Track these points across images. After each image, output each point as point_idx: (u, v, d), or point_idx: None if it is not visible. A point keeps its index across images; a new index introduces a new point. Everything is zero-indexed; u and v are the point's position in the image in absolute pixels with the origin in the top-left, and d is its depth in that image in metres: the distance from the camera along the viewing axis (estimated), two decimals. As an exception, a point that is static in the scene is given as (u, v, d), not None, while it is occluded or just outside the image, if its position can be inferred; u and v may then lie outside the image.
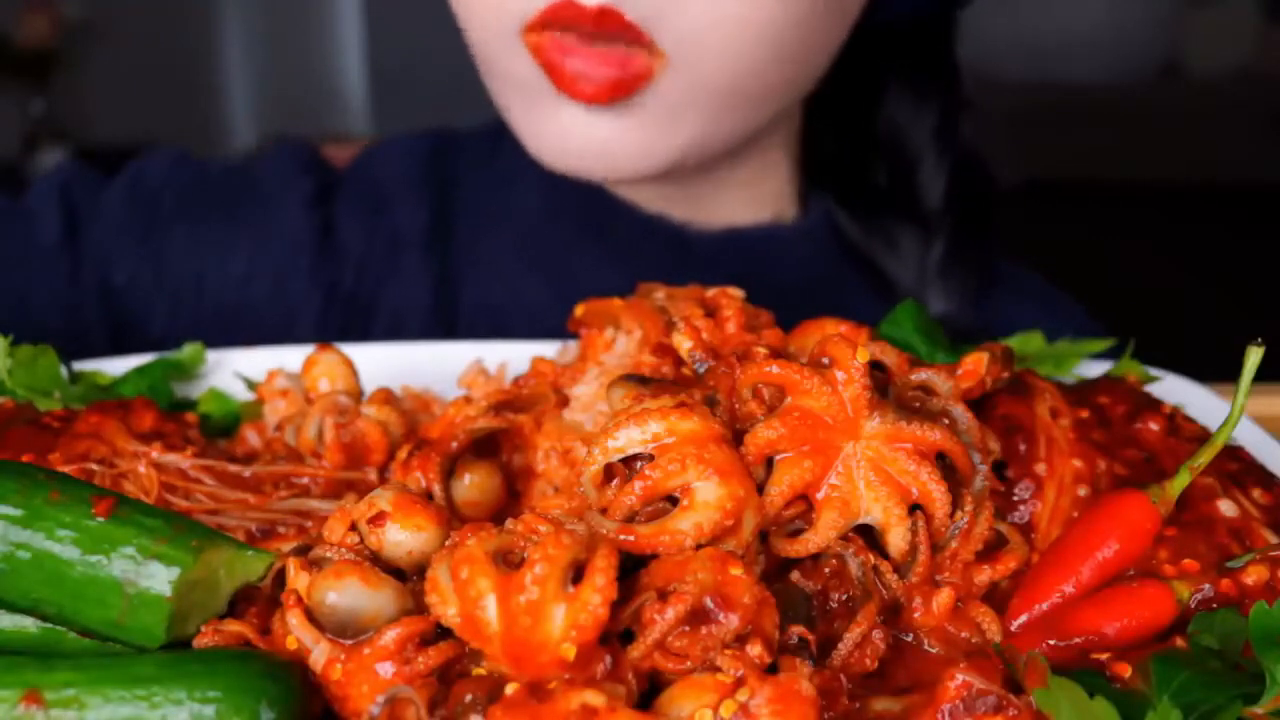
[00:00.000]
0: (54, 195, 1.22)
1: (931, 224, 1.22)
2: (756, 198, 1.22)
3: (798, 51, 1.03)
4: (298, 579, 0.59)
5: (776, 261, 1.20)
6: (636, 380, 0.67)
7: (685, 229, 1.19)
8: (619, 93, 0.98)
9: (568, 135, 1.02)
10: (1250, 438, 0.81)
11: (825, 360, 0.62)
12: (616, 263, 1.18)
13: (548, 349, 0.91)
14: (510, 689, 0.52)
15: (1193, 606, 0.63)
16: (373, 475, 0.76)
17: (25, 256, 1.20)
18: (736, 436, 0.61)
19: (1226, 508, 0.69)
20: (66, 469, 0.71)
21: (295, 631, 0.56)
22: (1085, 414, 0.74)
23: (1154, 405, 0.77)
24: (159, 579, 0.60)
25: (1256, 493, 0.71)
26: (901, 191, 1.23)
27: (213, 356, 0.95)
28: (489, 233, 1.26)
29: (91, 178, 1.26)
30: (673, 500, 0.58)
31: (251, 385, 0.91)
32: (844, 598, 0.60)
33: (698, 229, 1.19)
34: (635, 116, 1.01)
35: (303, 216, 1.24)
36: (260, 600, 0.64)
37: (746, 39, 0.99)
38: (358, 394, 0.83)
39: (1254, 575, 0.64)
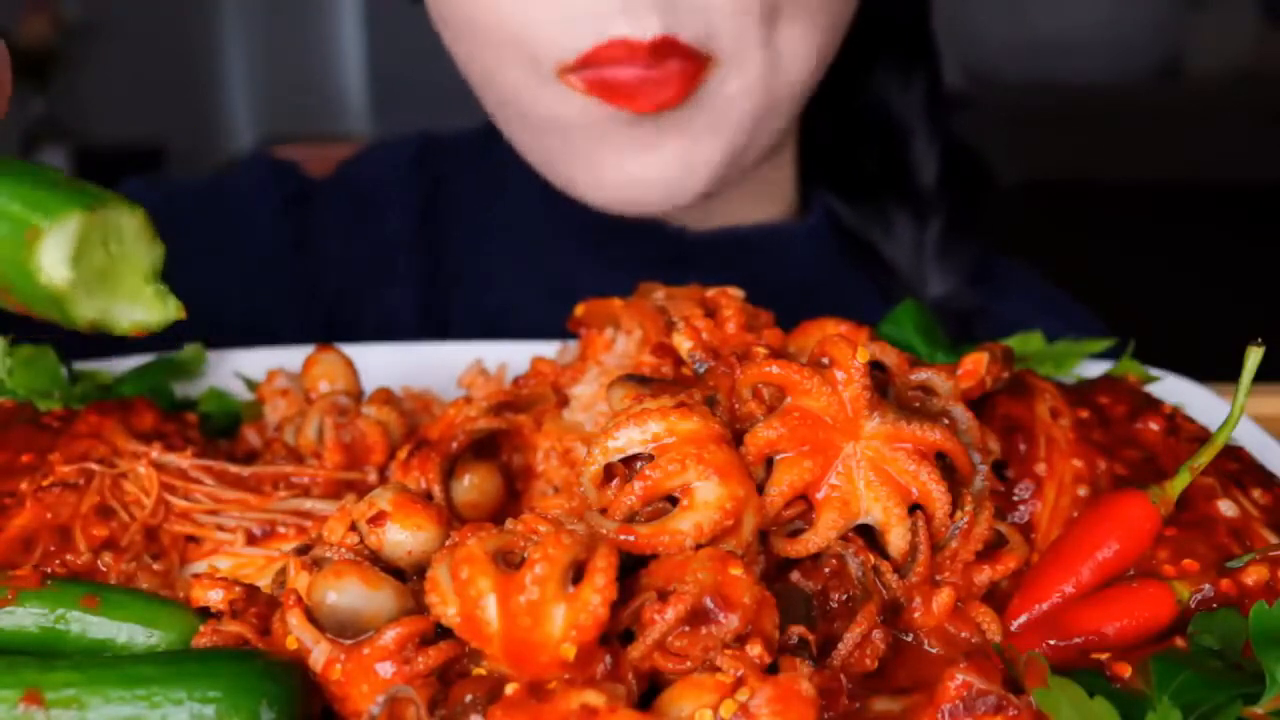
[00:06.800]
0: None
1: (927, 204, 1.22)
2: (764, 194, 1.22)
3: (826, 25, 1.05)
4: (298, 579, 0.59)
5: (777, 262, 1.19)
6: (636, 380, 0.67)
7: (683, 232, 1.19)
8: (683, 93, 0.98)
9: (629, 170, 1.03)
10: (1250, 438, 0.81)
11: (825, 360, 0.62)
12: (613, 267, 1.18)
13: (548, 349, 0.91)
14: (510, 689, 0.52)
15: (1193, 606, 0.63)
16: (373, 475, 0.76)
17: None
18: (736, 436, 0.61)
19: (1226, 508, 0.69)
20: (66, 469, 0.71)
21: (295, 631, 0.56)
22: (1085, 414, 0.74)
23: (1154, 405, 0.77)
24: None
25: (1256, 493, 0.71)
26: (895, 172, 1.24)
27: (213, 356, 0.95)
28: (480, 237, 1.25)
29: None
30: (673, 500, 0.58)
31: (251, 385, 0.91)
32: (844, 598, 0.60)
33: (696, 232, 1.19)
34: (692, 130, 1.01)
35: (272, 228, 1.23)
36: (260, 600, 0.64)
37: (787, 27, 1.00)
38: (358, 394, 0.83)
39: (1254, 575, 0.64)
